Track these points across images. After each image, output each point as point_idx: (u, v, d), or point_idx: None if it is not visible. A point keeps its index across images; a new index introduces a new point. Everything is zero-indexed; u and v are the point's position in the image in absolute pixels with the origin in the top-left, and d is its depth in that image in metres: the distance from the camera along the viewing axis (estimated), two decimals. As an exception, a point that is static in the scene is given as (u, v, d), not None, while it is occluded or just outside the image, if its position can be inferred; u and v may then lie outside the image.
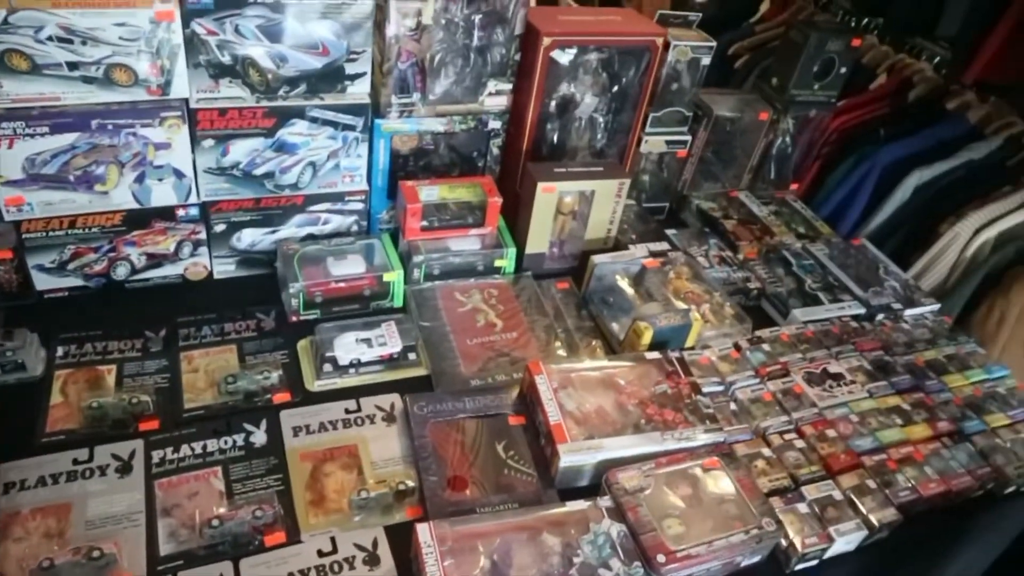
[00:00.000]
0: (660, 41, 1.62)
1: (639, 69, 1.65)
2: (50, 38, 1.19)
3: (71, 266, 1.40)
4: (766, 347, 1.49)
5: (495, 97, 1.54)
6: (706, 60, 1.76)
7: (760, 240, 1.85)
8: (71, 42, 1.21)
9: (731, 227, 1.87)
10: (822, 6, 2.82)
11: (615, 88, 1.68)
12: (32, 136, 1.24)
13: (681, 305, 1.52)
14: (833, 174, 2.37)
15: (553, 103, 1.63)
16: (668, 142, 1.84)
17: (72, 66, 1.23)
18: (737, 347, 1.48)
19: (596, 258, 1.55)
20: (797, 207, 2.05)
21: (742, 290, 1.68)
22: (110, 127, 1.28)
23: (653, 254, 1.66)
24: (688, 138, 1.86)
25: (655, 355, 1.37)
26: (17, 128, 1.23)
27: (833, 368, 1.47)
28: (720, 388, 1.38)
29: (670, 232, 1.83)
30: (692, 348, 1.47)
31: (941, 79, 2.40)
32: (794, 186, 2.15)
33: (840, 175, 2.35)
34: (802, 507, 1.19)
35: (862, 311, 1.65)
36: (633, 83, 1.67)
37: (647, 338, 1.40)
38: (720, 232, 1.87)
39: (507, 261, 1.57)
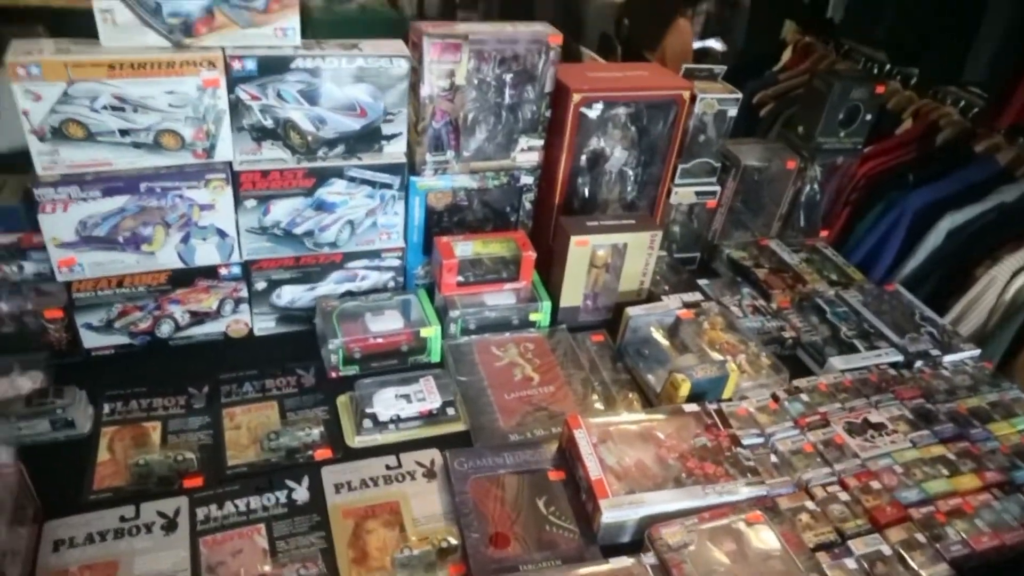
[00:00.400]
0: (687, 94, 1.65)
1: (667, 122, 1.68)
2: (104, 107, 1.25)
3: (118, 324, 1.43)
4: (804, 397, 1.48)
5: (527, 153, 1.57)
6: (732, 112, 1.79)
7: (793, 288, 1.85)
8: (123, 110, 1.26)
9: (763, 276, 1.87)
10: (844, 53, 2.85)
11: (644, 141, 1.71)
12: (85, 200, 1.29)
13: (717, 356, 1.52)
14: (863, 220, 2.37)
15: (584, 157, 1.66)
16: (698, 193, 1.86)
17: (124, 132, 1.28)
18: (775, 398, 1.47)
19: (630, 310, 1.56)
20: (828, 254, 2.04)
21: (777, 339, 1.68)
22: (158, 190, 1.33)
23: (687, 305, 1.66)
24: (717, 188, 1.88)
25: (693, 407, 1.36)
26: (72, 193, 1.28)
27: (874, 417, 1.45)
28: (760, 440, 1.36)
29: (702, 282, 1.83)
30: (729, 399, 1.46)
31: (968, 122, 2.40)
32: (824, 233, 2.15)
33: (870, 221, 2.35)
34: (850, 563, 1.16)
35: (900, 358, 1.64)
36: (661, 136, 1.70)
37: (684, 390, 1.39)
38: (752, 281, 1.87)
39: (542, 315, 1.58)
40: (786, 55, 3.11)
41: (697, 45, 3.59)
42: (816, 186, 2.05)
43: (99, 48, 1.24)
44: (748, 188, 1.98)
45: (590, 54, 2.88)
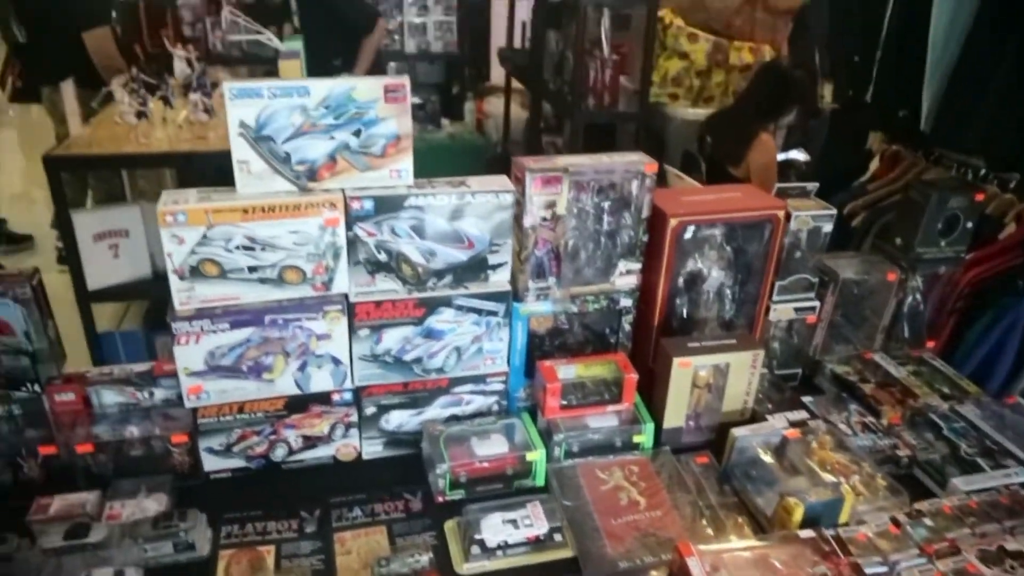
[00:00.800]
0: (781, 213, 1.67)
1: (762, 241, 1.70)
2: (237, 247, 1.36)
3: (236, 448, 1.50)
4: (928, 521, 1.40)
5: (626, 277, 1.61)
6: (827, 228, 1.79)
7: (903, 403, 1.78)
8: (253, 249, 1.37)
9: (870, 391, 1.82)
10: (934, 160, 2.83)
11: (740, 260, 1.72)
12: (215, 332, 1.39)
13: (829, 478, 1.46)
14: (972, 329, 2.29)
15: (681, 279, 1.68)
16: (796, 309, 1.84)
17: (252, 269, 1.39)
18: (896, 522, 1.40)
19: (736, 431, 1.54)
20: (937, 365, 1.97)
21: (891, 459, 1.61)
22: (280, 321, 1.42)
23: (793, 424, 1.62)
24: (816, 303, 1.86)
25: (808, 533, 1.31)
26: (204, 325, 1.38)
27: (1011, 545, 1.35)
28: (883, 569, 1.29)
29: (806, 399, 1.79)
30: (846, 524, 1.40)
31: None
32: (930, 344, 2.08)
33: (980, 330, 2.26)
34: None
35: (1031, 479, 1.54)
36: (757, 254, 1.71)
37: (798, 515, 1.34)
38: (859, 397, 1.81)
39: (645, 437, 1.57)
40: (874, 164, 3.11)
41: (781, 157, 3.62)
42: (918, 296, 2.01)
43: (235, 195, 1.36)
44: (848, 301, 1.95)
45: (675, 172, 2.95)
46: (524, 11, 5.03)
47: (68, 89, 3.00)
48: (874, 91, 2.88)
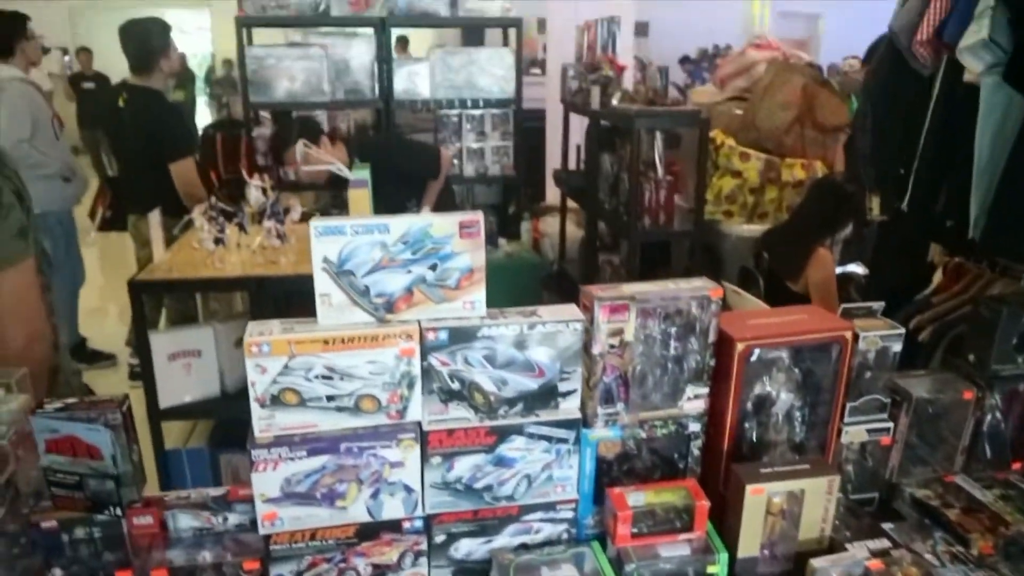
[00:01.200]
0: (848, 334, 1.67)
1: (831, 362, 1.69)
2: (316, 376, 1.41)
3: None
4: (1032, 667, 1.31)
5: (693, 401, 1.61)
6: (897, 347, 1.77)
7: (993, 531, 1.70)
8: (332, 379, 1.42)
9: (955, 517, 1.74)
10: (1000, 270, 2.79)
11: (809, 382, 1.71)
12: (292, 459, 1.43)
13: (920, 615, 1.39)
14: (1059, 450, 2.18)
15: (749, 402, 1.67)
16: (869, 431, 1.80)
17: (330, 398, 1.43)
18: (997, 667, 1.31)
19: (815, 562, 1.48)
20: (1025, 489, 1.89)
21: (986, 594, 1.52)
22: (355, 449, 1.45)
23: (874, 553, 1.56)
24: (890, 424, 1.82)
25: None
26: (281, 453, 1.42)
27: None
28: None
29: (886, 526, 1.72)
30: (943, 667, 1.32)
31: None
32: (1016, 465, 1.99)
33: (1068, 451, 2.16)
34: None
35: None
36: (826, 376, 1.70)
37: (890, 657, 1.27)
38: (943, 524, 1.74)
39: (719, 567, 1.53)
40: (937, 277, 3.08)
41: (839, 270, 3.62)
42: (998, 415, 1.94)
43: (316, 326, 1.43)
44: (923, 421, 1.90)
45: (733, 288, 2.97)
46: (577, 135, 5.25)
47: (155, 217, 3.21)
48: (916, 201, 2.88)
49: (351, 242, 1.40)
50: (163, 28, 4.41)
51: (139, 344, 3.23)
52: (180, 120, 4.82)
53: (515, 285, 4.53)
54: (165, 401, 3.22)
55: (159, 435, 3.25)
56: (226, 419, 3.61)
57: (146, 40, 4.31)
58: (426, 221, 1.41)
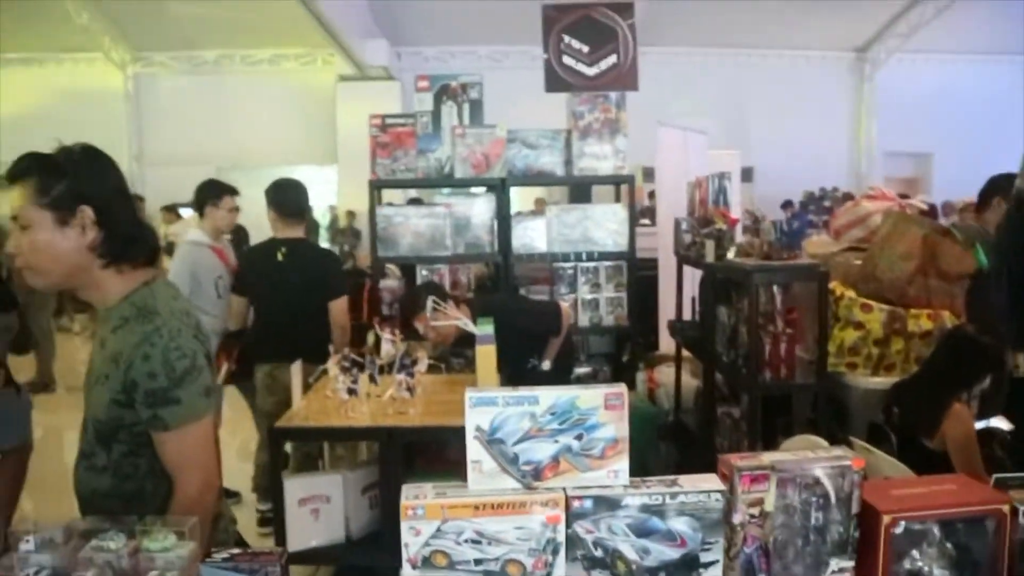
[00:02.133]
0: (1006, 508, 1.60)
1: (988, 537, 1.61)
2: (466, 540, 1.49)
3: None
4: None
5: (838, 575, 1.57)
6: (1061, 522, 1.68)
7: None
8: (480, 543, 1.49)
9: None
10: None
11: (966, 558, 1.63)
12: (441, 623, 1.47)
13: None
14: None
15: (901, 578, 1.61)
16: (1038, 614, 1.68)
17: (478, 562, 1.49)
18: None
19: None
20: None
21: None
22: (501, 614, 1.49)
23: None
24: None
25: None
26: (431, 613, 1.47)
27: None
28: None
29: None
30: None
31: None
32: None
33: None
34: None
35: None
36: (985, 553, 1.62)
37: None
38: None
39: None
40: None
41: (980, 425, 3.43)
42: None
43: (466, 491, 1.52)
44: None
45: (864, 446, 2.86)
46: (690, 285, 5.33)
47: (296, 367, 3.45)
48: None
49: (502, 412, 1.51)
50: (305, 187, 4.91)
51: (274, 489, 3.38)
52: (339, 262, 5.15)
53: (632, 435, 4.47)
54: (293, 545, 3.32)
55: (288, 580, 3.33)
56: (348, 565, 3.67)
57: (298, 196, 4.76)
58: (573, 394, 1.50)
